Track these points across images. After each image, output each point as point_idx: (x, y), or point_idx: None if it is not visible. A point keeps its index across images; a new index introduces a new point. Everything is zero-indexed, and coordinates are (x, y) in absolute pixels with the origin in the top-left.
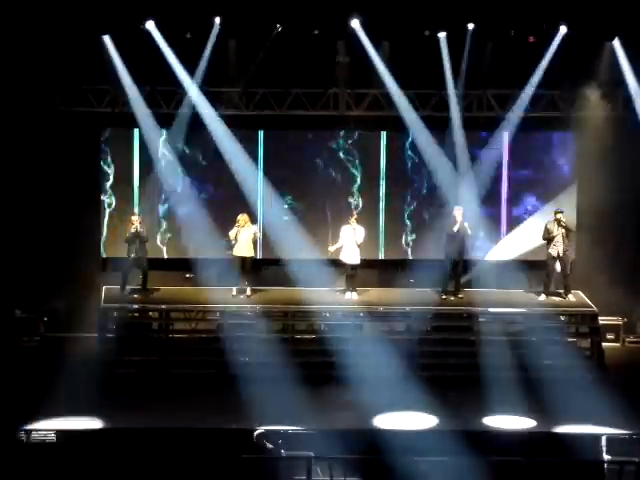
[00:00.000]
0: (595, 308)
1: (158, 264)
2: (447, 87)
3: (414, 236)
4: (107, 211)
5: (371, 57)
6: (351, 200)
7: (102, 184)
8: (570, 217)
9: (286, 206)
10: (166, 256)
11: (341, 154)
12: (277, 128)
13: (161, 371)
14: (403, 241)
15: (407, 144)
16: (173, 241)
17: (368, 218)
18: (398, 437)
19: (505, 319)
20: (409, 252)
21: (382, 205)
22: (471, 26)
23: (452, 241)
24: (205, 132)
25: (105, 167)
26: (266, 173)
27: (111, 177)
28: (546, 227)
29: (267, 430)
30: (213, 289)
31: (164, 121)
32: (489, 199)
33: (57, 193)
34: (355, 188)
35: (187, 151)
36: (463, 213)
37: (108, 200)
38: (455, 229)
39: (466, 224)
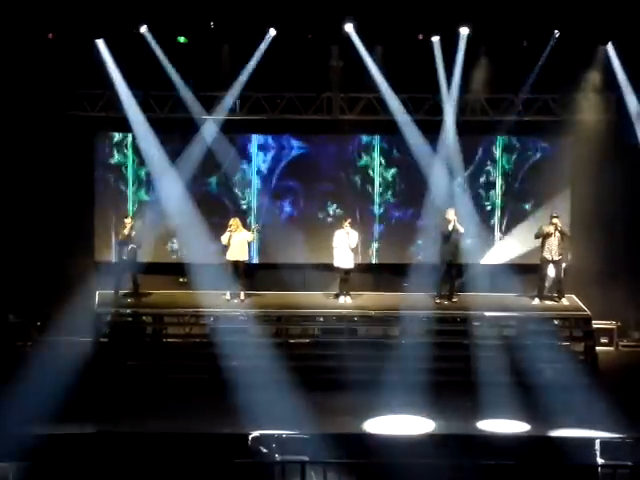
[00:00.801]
0: (589, 312)
1: (152, 268)
2: (441, 91)
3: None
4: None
5: (365, 61)
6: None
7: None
8: (564, 220)
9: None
10: (159, 260)
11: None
12: (270, 132)
13: (155, 375)
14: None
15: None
16: (166, 245)
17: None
18: (392, 441)
19: (499, 323)
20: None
21: (377, 209)
22: (465, 30)
23: (446, 243)
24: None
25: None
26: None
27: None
28: (541, 228)
29: (261, 434)
30: (207, 293)
31: (158, 125)
32: (483, 203)
33: (51, 197)
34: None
35: (182, 154)
36: (456, 214)
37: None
38: (449, 228)
39: (459, 225)
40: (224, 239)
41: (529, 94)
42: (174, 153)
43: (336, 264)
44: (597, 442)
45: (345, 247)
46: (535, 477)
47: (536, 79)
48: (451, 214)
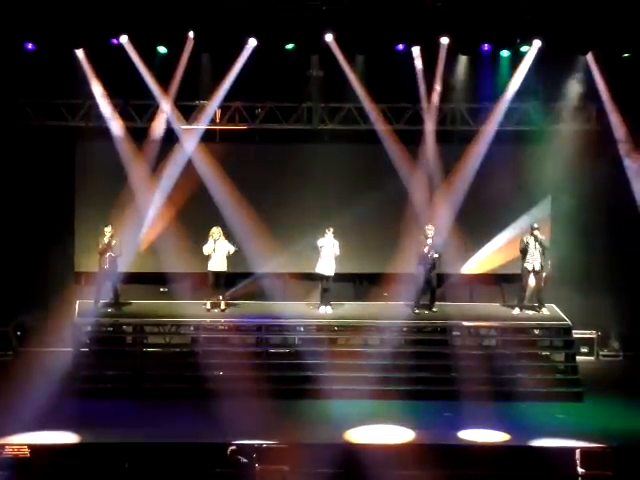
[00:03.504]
0: (569, 322)
1: (132, 278)
2: (421, 101)
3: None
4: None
5: (345, 71)
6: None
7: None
8: (544, 231)
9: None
10: (140, 270)
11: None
12: (251, 142)
13: (135, 385)
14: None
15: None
16: (147, 255)
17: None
18: (373, 451)
19: (479, 333)
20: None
21: (357, 218)
22: (445, 40)
23: (424, 260)
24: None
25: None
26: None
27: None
28: (522, 240)
29: (241, 444)
30: (187, 303)
31: (138, 134)
32: (464, 212)
33: (31, 207)
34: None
35: (162, 163)
36: (434, 231)
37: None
38: (426, 250)
39: (436, 248)
40: (208, 248)
41: (509, 104)
42: (154, 162)
43: (318, 270)
44: (577, 452)
45: (328, 255)
46: None
47: (516, 89)
48: (430, 232)
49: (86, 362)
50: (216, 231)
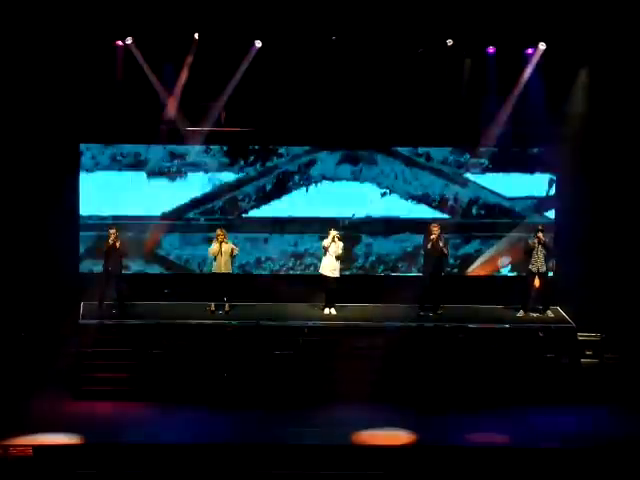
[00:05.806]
0: (573, 324)
1: (136, 279)
2: (426, 103)
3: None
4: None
5: (349, 73)
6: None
7: None
8: (549, 233)
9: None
10: (144, 271)
11: None
12: (255, 143)
13: (138, 387)
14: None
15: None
16: (152, 255)
17: None
18: (378, 453)
19: (484, 335)
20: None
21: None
22: (449, 42)
23: (429, 258)
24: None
25: None
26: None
27: None
28: (527, 242)
29: (244, 445)
30: (191, 304)
31: (143, 136)
32: (468, 215)
33: (35, 208)
34: None
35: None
36: (440, 230)
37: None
38: (430, 246)
39: (441, 243)
40: (214, 250)
41: (515, 105)
42: (158, 163)
43: (322, 272)
44: (579, 453)
45: (332, 257)
46: None
47: (522, 91)
48: (435, 230)
49: (90, 363)
50: (221, 233)
